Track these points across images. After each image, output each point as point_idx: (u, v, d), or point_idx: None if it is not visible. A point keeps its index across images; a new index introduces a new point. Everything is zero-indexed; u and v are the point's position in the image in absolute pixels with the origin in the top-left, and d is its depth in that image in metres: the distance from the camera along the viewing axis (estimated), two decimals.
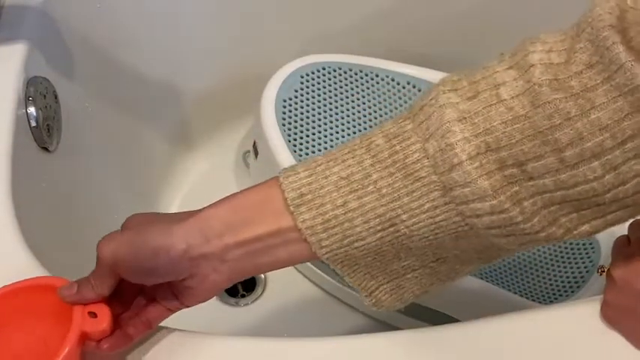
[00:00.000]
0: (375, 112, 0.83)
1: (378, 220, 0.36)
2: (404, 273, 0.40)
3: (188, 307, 0.42)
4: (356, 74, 0.84)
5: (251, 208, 0.38)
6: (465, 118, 0.34)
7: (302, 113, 0.80)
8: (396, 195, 0.35)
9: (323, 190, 0.37)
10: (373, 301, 0.42)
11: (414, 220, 0.36)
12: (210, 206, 0.39)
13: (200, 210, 0.39)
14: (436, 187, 0.35)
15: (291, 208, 0.37)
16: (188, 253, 0.38)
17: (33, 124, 0.59)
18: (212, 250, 0.38)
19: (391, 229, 0.36)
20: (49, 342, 0.41)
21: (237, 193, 0.39)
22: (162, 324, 0.44)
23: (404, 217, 0.36)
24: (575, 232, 0.35)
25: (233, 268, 0.39)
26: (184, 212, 0.39)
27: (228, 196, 0.39)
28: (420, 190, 0.35)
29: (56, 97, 0.65)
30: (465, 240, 0.37)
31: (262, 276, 0.86)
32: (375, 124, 0.82)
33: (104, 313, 0.40)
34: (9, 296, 0.42)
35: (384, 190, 0.36)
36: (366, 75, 0.84)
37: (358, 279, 0.40)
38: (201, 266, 0.38)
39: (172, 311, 0.42)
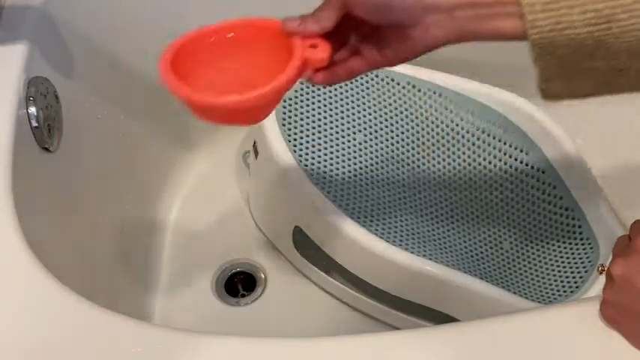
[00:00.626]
0: (375, 112, 0.83)
1: (594, 14, 0.39)
2: (586, 75, 0.43)
3: (389, 65, 0.45)
4: None
5: None
6: None
7: (302, 113, 0.80)
8: None
9: None
10: (544, 87, 0.45)
11: (630, 21, 0.39)
12: None
13: None
14: None
15: None
16: (423, 0, 0.41)
17: (34, 124, 0.59)
18: (446, 2, 0.41)
19: (604, 25, 0.39)
20: (270, 70, 0.43)
21: None
22: (161, 324, 0.44)
23: (622, 16, 0.39)
24: None
25: (455, 28, 0.42)
26: None
27: None
28: None
29: (57, 97, 0.65)
30: None
31: (262, 276, 0.86)
32: (375, 125, 0.82)
33: (324, 45, 0.44)
34: (227, 30, 0.48)
35: None
36: (366, 75, 0.84)
37: (545, 65, 0.43)
38: (429, 17, 0.41)
39: (371, 67, 0.46)
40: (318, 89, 0.82)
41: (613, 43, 0.40)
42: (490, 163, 0.81)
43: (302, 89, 0.81)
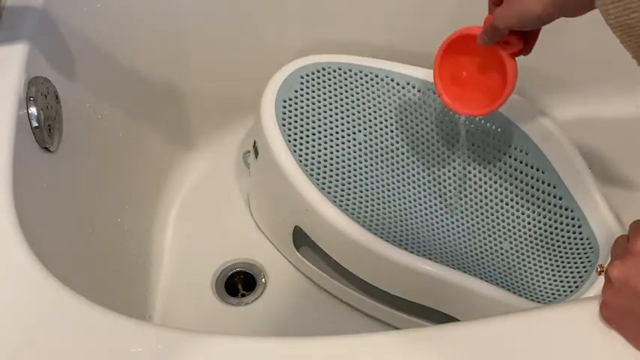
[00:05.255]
0: (375, 112, 0.83)
1: None
2: None
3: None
4: (356, 74, 0.84)
5: None
6: None
7: (302, 113, 0.80)
8: None
9: None
10: None
11: None
12: None
13: None
14: None
15: None
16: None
17: (34, 124, 0.59)
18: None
19: None
20: (494, 69, 0.65)
21: None
22: (161, 324, 0.44)
23: None
24: None
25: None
26: None
27: None
28: None
29: (57, 97, 0.65)
30: None
31: (262, 275, 0.87)
32: (375, 125, 0.82)
33: (515, 40, 0.61)
34: (458, 42, 0.66)
35: None
36: (366, 75, 0.84)
37: (631, 47, 0.50)
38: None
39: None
40: (318, 89, 0.82)
41: None
42: (490, 163, 0.81)
43: (302, 89, 0.81)
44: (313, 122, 0.80)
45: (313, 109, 0.81)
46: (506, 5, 0.58)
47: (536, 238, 0.78)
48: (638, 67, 0.51)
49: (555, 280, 0.74)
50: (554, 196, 0.78)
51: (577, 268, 0.74)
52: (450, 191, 0.81)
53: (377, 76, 0.84)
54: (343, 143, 0.80)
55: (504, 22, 0.58)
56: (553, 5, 0.54)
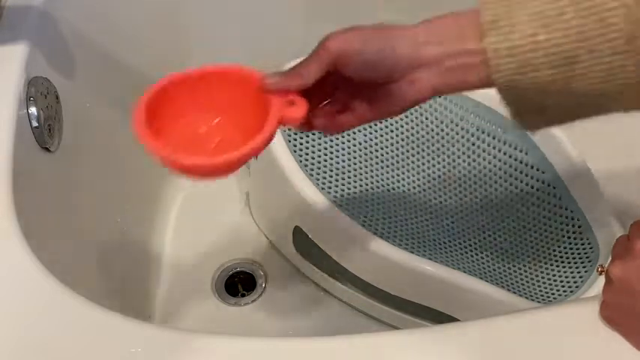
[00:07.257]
0: None
1: (559, 55, 0.39)
2: (558, 109, 0.43)
3: (378, 118, 0.46)
4: None
5: (454, 26, 0.42)
6: None
7: None
8: (583, 36, 0.38)
9: (514, 20, 0.40)
10: (518, 121, 0.44)
11: (592, 62, 0.39)
12: (434, 19, 0.43)
13: (423, 22, 0.43)
14: (623, 35, 0.38)
15: (484, 28, 0.40)
16: (410, 56, 0.42)
17: (34, 124, 0.59)
18: (434, 54, 0.42)
19: (567, 67, 0.39)
20: (245, 125, 0.43)
21: (435, 18, 0.44)
22: (161, 324, 0.44)
23: (584, 57, 0.39)
24: None
25: (441, 80, 0.42)
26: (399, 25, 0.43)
27: (430, 20, 0.44)
28: (608, 35, 0.38)
29: (57, 97, 0.65)
30: (626, 95, 0.40)
31: (262, 276, 0.87)
32: (375, 125, 0.82)
33: (301, 103, 0.43)
34: (208, 76, 0.45)
35: (574, 30, 0.38)
36: None
37: (514, 107, 0.43)
38: (416, 72, 0.42)
39: (362, 122, 0.46)
40: None
41: (577, 85, 0.40)
42: (490, 163, 0.81)
43: None
44: None
45: None
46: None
47: (536, 238, 0.78)
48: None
49: (555, 280, 0.74)
50: (554, 196, 0.78)
51: (577, 268, 0.74)
52: (450, 191, 0.81)
53: None
54: (343, 143, 0.80)
55: (338, 41, 0.44)
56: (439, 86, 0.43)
